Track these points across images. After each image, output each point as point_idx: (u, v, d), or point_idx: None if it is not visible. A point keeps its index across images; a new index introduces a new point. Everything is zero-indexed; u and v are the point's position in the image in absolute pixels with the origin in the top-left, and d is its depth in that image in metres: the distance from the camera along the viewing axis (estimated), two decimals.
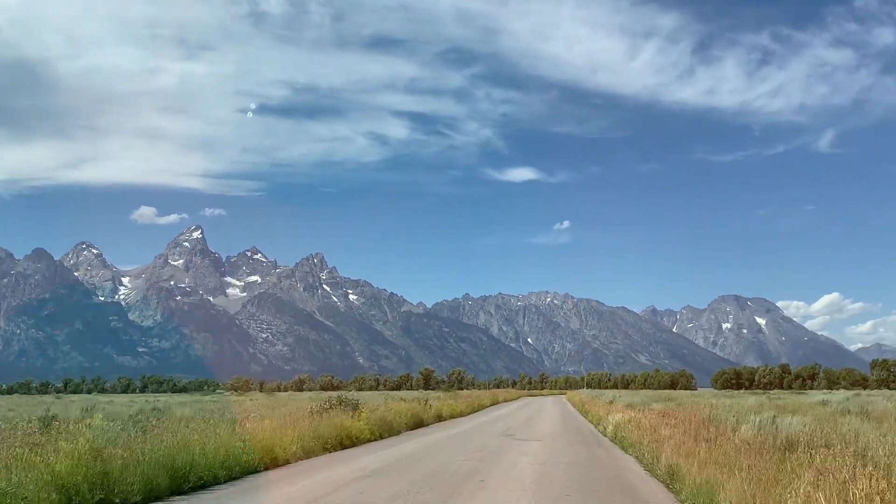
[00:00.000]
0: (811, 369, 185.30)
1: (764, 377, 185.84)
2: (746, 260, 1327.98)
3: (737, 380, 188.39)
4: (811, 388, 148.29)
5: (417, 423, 32.60)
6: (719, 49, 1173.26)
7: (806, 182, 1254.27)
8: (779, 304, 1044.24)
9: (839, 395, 53.39)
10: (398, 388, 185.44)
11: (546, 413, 50.70)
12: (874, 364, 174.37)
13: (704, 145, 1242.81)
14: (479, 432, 29.37)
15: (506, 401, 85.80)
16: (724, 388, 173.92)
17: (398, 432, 27.92)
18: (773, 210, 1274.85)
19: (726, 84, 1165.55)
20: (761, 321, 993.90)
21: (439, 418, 38.87)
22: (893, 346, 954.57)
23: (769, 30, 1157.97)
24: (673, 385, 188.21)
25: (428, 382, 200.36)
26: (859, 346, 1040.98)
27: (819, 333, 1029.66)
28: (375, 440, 24.09)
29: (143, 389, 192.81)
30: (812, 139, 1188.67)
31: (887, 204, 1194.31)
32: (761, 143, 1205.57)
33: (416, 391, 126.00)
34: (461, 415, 45.83)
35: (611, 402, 43.92)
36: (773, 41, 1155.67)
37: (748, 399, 45.19)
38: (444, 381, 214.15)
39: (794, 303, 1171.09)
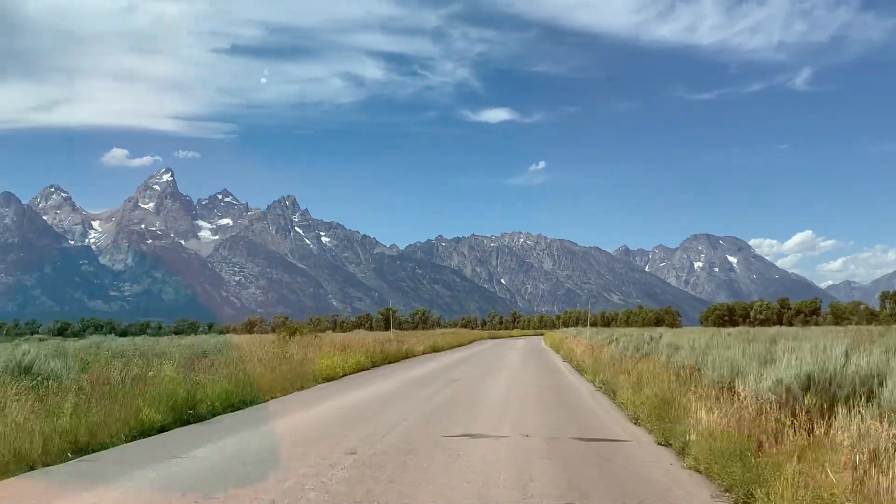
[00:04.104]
0: (812, 304, 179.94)
1: (760, 313, 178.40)
2: (719, 198, 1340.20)
3: (730, 316, 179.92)
4: (816, 325, 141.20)
5: None
6: None
7: (781, 120, 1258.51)
8: (751, 242, 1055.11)
9: None
10: (357, 328, 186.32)
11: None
12: (885, 296, 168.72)
13: (682, 84, 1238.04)
14: None
15: (427, 352, 49.83)
16: (715, 325, 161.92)
17: None
18: (748, 148, 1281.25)
19: (706, 21, 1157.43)
20: (733, 259, 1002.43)
21: None
22: (862, 283, 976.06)
23: None
24: (658, 323, 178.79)
25: (389, 323, 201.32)
26: (829, 283, 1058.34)
27: (790, 271, 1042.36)
28: None
29: (124, 333, 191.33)
30: (789, 77, 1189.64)
31: (861, 142, 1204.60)
32: (738, 81, 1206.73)
33: (374, 333, 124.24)
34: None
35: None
36: None
37: None
38: (408, 321, 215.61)
39: (767, 241, 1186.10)
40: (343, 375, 26.89)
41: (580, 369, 30.21)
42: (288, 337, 37.79)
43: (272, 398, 19.44)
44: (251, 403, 17.92)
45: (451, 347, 63.83)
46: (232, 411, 16.80)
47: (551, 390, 22.45)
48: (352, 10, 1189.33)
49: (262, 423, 14.78)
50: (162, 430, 13.83)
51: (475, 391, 21.75)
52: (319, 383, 24.04)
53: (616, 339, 34.76)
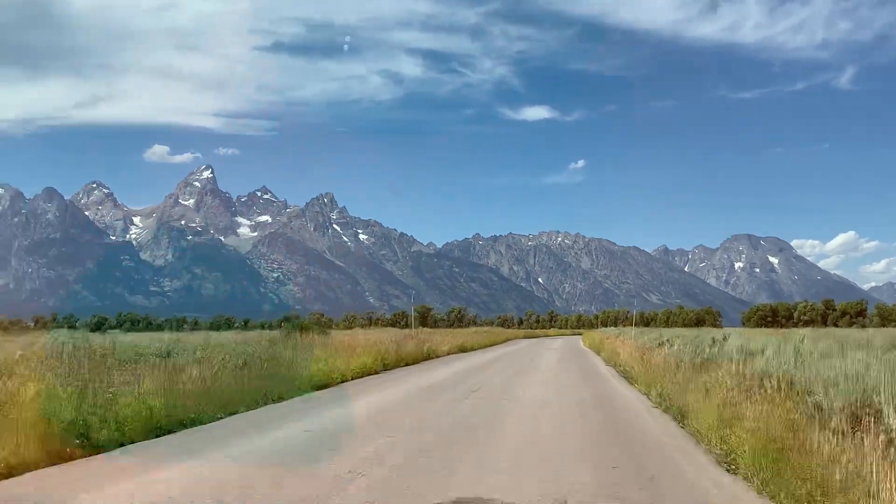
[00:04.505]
0: (858, 305, 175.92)
1: (804, 314, 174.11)
2: (761, 198, 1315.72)
3: (773, 317, 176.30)
4: (863, 327, 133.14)
5: None
6: None
7: (824, 119, 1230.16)
8: (793, 242, 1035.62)
9: None
10: (393, 325, 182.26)
11: None
12: None
13: (724, 83, 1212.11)
14: None
15: (454, 352, 45.75)
16: (758, 325, 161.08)
17: None
18: (791, 148, 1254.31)
19: (749, 20, 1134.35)
20: (774, 260, 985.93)
21: None
22: None
23: None
24: (699, 323, 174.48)
25: (425, 320, 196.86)
26: (872, 284, 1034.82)
27: (832, 272, 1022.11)
28: None
29: (160, 328, 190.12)
30: (832, 76, 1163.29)
31: None
32: (781, 80, 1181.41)
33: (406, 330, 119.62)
34: None
35: None
36: None
37: None
38: (444, 319, 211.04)
39: (809, 241, 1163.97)
40: (342, 381, 22.28)
41: (628, 377, 25.14)
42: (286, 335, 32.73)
43: (231, 414, 14.86)
44: (191, 424, 13.34)
45: (482, 347, 58.31)
46: (156, 436, 12.20)
47: (596, 406, 17.62)
48: (391, 8, 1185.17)
49: (165, 464, 10.02)
50: (9, 475, 9.17)
51: (496, 407, 16.87)
52: (307, 392, 19.39)
53: (667, 340, 28.88)
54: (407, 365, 32.31)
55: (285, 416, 14.79)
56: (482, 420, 14.61)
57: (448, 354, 43.56)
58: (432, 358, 38.64)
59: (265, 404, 16.61)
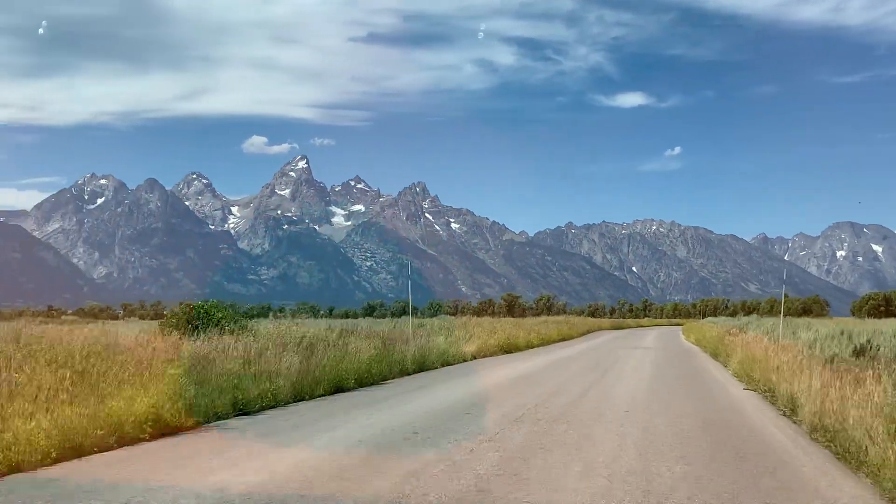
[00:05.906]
0: None
1: None
2: (864, 184, 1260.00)
3: (886, 306, 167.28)
4: None
5: None
6: None
7: None
8: None
9: None
10: (479, 314, 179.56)
11: None
12: None
13: (826, 66, 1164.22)
14: None
15: (491, 354, 34.06)
16: (870, 315, 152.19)
17: None
18: None
19: (853, 1, 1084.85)
20: (878, 248, 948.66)
21: None
22: None
23: None
24: (805, 313, 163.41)
25: (512, 309, 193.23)
26: None
27: None
28: None
29: (246, 315, 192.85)
30: None
31: None
32: (886, 63, 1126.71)
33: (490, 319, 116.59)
34: None
35: None
36: None
37: None
38: (531, 308, 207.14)
39: None
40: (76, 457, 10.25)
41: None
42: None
43: None
44: None
45: (542, 344, 45.22)
46: None
47: None
48: None
49: None
50: None
51: None
52: None
53: (868, 341, 16.76)
54: (366, 385, 20.03)
55: None
56: None
57: (478, 358, 32.19)
58: (436, 367, 26.57)
59: None
